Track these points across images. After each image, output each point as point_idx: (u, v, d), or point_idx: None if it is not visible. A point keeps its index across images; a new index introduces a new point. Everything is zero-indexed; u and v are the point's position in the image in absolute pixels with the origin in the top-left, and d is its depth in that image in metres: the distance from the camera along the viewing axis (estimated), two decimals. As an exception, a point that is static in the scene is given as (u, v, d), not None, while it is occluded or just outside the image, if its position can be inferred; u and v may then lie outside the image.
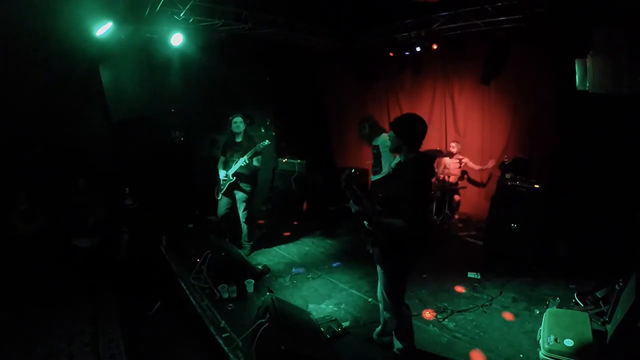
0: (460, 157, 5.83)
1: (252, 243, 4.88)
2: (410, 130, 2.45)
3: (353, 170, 4.03)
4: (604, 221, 4.00)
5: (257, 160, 4.51)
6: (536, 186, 4.21)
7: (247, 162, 4.37)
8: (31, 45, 4.44)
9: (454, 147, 5.87)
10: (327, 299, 3.71)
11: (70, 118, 5.09)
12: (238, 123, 4.50)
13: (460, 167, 5.84)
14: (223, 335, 3.00)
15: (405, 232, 2.26)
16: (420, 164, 2.42)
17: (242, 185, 4.58)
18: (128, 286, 4.10)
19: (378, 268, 2.62)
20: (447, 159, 5.82)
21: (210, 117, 6.28)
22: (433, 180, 5.30)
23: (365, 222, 2.49)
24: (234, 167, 4.47)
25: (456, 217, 5.95)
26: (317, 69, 7.87)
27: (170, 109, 6.20)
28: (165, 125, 6.07)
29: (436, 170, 5.71)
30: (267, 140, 4.44)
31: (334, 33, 6.32)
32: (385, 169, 3.73)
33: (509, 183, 4.39)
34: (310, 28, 5.98)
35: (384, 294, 2.64)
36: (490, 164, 5.66)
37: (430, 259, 4.62)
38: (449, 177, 5.65)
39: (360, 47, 6.51)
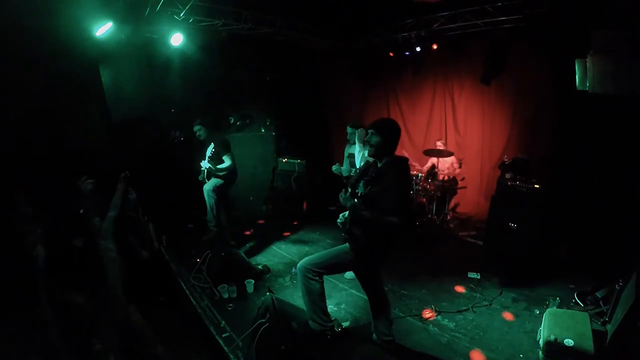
0: (449, 156, 5.81)
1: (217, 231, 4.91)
2: (395, 134, 2.60)
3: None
4: (603, 221, 4.00)
5: (228, 157, 4.64)
6: (536, 186, 4.21)
7: (209, 167, 4.59)
8: (31, 45, 4.44)
9: (440, 146, 5.82)
10: (327, 299, 3.64)
11: (71, 118, 5.08)
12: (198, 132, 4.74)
13: (450, 165, 5.84)
14: (223, 335, 3.01)
15: (398, 228, 2.40)
16: (401, 164, 2.60)
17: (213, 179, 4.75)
18: (128, 286, 4.10)
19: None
20: (434, 159, 5.78)
21: (210, 117, 6.27)
22: (423, 183, 5.34)
23: (344, 216, 2.68)
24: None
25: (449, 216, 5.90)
26: (317, 69, 7.87)
27: (170, 109, 6.20)
28: (165, 125, 6.06)
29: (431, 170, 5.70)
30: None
31: (334, 33, 6.32)
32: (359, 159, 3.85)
33: (509, 183, 4.39)
34: (310, 28, 5.98)
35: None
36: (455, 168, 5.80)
37: (430, 259, 4.63)
38: (449, 177, 5.64)
39: (360, 47, 6.51)
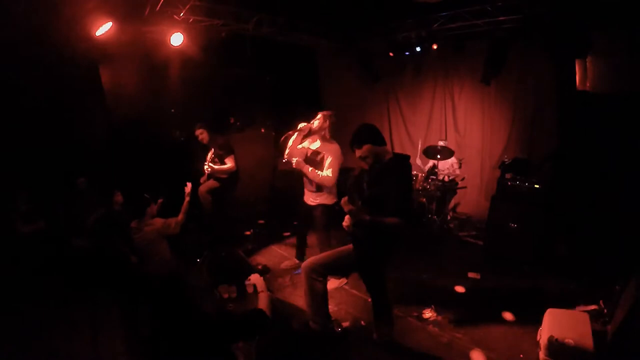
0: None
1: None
2: (367, 132, 2.59)
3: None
4: (603, 221, 4.01)
5: (230, 160, 4.66)
6: (536, 186, 4.22)
7: (209, 170, 4.67)
8: (31, 46, 4.44)
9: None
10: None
11: (70, 118, 5.09)
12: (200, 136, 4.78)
13: (450, 166, 5.83)
14: (223, 336, 3.00)
15: (400, 229, 2.40)
16: (401, 163, 2.58)
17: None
18: (128, 286, 4.09)
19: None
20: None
21: (210, 117, 6.27)
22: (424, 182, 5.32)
23: (350, 219, 2.61)
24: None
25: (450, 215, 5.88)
26: (318, 69, 7.86)
27: (170, 109, 6.19)
28: (165, 125, 6.06)
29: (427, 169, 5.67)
30: None
31: (334, 33, 6.32)
32: None
33: (509, 183, 4.39)
34: (311, 28, 5.98)
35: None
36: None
37: (430, 259, 4.63)
38: (449, 177, 5.63)
39: (360, 47, 6.51)
